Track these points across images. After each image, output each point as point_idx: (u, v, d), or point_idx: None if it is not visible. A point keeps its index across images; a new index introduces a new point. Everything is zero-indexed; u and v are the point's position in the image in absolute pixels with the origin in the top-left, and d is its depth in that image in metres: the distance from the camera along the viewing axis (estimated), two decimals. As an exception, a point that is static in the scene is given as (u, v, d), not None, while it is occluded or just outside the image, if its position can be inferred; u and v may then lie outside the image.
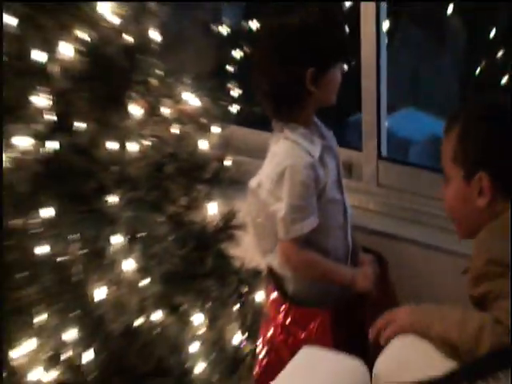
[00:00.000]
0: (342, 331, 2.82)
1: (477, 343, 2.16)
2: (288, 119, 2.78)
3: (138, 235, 2.48)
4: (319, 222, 2.77)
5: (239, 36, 4.19)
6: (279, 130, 2.81)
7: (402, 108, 4.58)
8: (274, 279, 2.93)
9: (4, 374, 2.29)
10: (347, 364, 2.45)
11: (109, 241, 2.43)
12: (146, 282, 2.56)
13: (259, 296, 2.97)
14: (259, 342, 2.91)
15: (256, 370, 2.92)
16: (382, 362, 2.43)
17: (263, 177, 2.80)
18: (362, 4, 3.24)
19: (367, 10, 3.23)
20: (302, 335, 2.84)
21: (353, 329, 2.86)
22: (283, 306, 2.88)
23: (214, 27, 4.18)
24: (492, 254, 2.31)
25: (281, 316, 2.88)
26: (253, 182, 2.85)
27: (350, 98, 3.43)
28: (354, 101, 3.44)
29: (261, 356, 2.91)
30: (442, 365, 2.23)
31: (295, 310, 2.87)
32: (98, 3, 2.42)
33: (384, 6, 3.26)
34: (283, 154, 2.75)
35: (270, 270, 2.95)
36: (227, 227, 2.87)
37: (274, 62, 2.73)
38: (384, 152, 3.44)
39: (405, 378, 2.22)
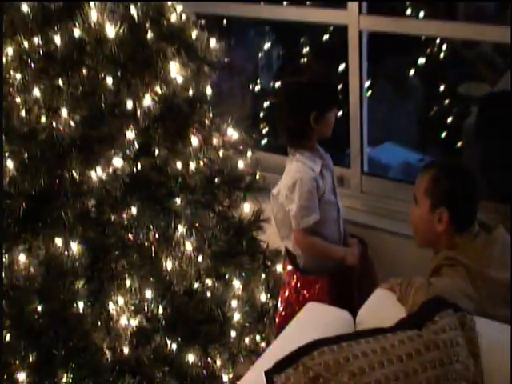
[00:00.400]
0: (336, 292, 2.82)
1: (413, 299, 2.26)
2: (298, 147, 2.82)
3: (196, 225, 2.50)
4: (320, 217, 2.80)
5: (268, 92, 4.27)
6: (292, 154, 2.84)
7: (385, 142, 4.57)
8: (289, 256, 2.94)
9: (104, 320, 2.34)
10: (337, 314, 2.46)
11: (175, 229, 2.48)
12: (200, 258, 2.61)
13: (278, 268, 3.02)
14: (279, 301, 2.94)
15: (277, 320, 2.94)
16: (363, 311, 2.43)
17: (281, 186, 2.83)
18: (350, 66, 3.26)
19: (354, 71, 3.26)
20: (307, 295, 2.84)
21: (343, 291, 2.86)
22: (295, 275, 2.90)
23: (252, 85, 4.24)
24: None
25: (293, 282, 2.89)
26: (274, 190, 2.87)
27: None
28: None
29: (280, 310, 2.93)
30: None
31: (303, 277, 2.87)
32: (171, 68, 2.46)
33: (365, 67, 3.28)
34: (295, 170, 2.78)
35: (287, 250, 2.96)
36: (256, 220, 2.92)
37: (288, 109, 2.77)
38: (365, 169, 3.46)
39: (379, 323, 2.19)
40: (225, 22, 3.92)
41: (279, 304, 2.94)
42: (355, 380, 1.94)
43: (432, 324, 2.09)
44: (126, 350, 2.42)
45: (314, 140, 2.83)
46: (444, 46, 4.18)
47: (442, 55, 4.23)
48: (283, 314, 2.90)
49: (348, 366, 1.95)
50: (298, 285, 2.89)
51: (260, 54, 4.53)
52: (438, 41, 4.07)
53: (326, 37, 4.27)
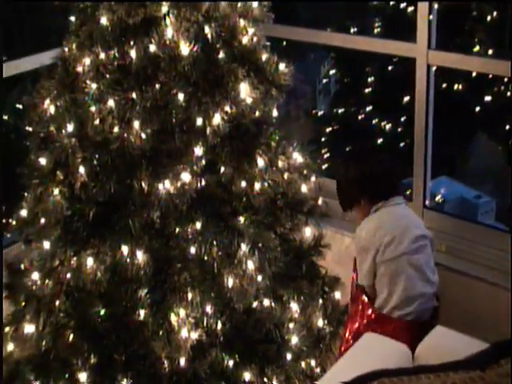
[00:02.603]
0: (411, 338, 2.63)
1: None
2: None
3: (259, 245, 2.47)
4: None
5: (328, 117, 4.25)
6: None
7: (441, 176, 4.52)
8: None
9: (165, 330, 2.32)
10: (395, 347, 2.41)
11: (238, 247, 2.45)
12: (259, 277, 2.57)
13: (337, 295, 2.95)
14: (347, 330, 2.82)
15: (342, 348, 2.81)
16: (422, 346, 2.39)
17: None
18: (417, 98, 3.22)
19: (420, 103, 3.22)
20: (379, 331, 2.74)
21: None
22: (372, 309, 2.77)
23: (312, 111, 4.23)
24: None
25: (367, 314, 2.78)
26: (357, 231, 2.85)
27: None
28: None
29: (346, 338, 2.84)
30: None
31: (379, 313, 2.76)
32: (241, 89, 2.46)
33: (431, 100, 3.25)
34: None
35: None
36: (316, 245, 2.86)
37: (344, 189, 2.83)
38: (427, 203, 3.41)
39: (438, 359, 2.09)
40: (284, 43, 3.92)
41: (347, 334, 2.83)
42: (414, 415, 1.87)
43: (497, 367, 1.97)
44: (182, 362, 2.39)
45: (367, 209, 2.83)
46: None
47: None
48: (350, 343, 2.78)
49: None
50: (373, 316, 2.78)
51: (318, 79, 4.52)
52: (506, 79, 4.02)
53: (390, 67, 4.26)
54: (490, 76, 4.09)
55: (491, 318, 2.99)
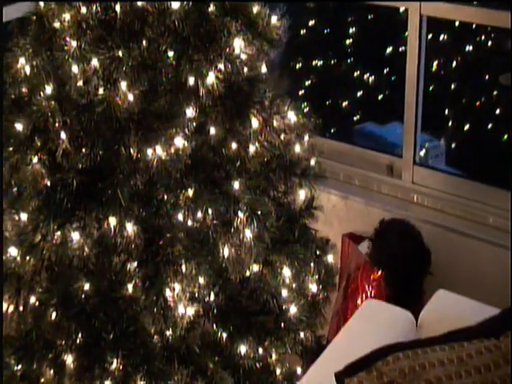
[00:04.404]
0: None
1: None
2: None
3: (257, 212, 2.28)
4: None
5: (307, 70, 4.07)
6: None
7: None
8: None
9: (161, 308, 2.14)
10: (399, 314, 2.31)
11: (236, 215, 2.26)
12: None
13: (329, 258, 2.79)
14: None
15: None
16: (425, 313, 2.30)
17: None
18: (409, 51, 3.03)
19: (412, 56, 3.04)
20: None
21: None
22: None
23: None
24: None
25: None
26: None
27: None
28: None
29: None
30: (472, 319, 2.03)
31: None
32: (235, 45, 2.23)
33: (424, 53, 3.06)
34: None
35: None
36: (309, 208, 2.68)
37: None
38: (417, 160, 3.23)
39: (443, 325, 2.01)
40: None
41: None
42: (432, 389, 1.74)
43: None
44: (173, 336, 2.22)
45: None
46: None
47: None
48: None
49: (424, 375, 1.78)
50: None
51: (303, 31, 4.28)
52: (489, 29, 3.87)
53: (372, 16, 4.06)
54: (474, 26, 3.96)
55: (488, 277, 2.88)
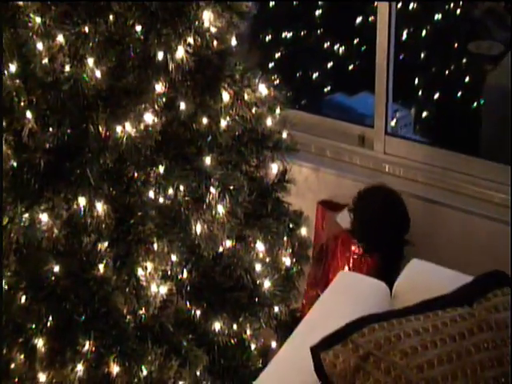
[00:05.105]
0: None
1: None
2: None
3: (229, 188, 2.24)
4: None
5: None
6: None
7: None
8: None
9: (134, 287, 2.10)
10: (373, 285, 2.30)
11: (207, 191, 2.22)
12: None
13: (303, 231, 2.77)
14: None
15: None
16: (400, 283, 2.28)
17: None
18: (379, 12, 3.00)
19: (383, 19, 3.01)
20: None
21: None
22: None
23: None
24: None
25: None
26: None
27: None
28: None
29: None
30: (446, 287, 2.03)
31: None
32: (205, 18, 2.18)
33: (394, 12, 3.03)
34: None
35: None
36: (281, 181, 2.67)
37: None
38: (389, 130, 3.21)
39: (418, 295, 2.02)
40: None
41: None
42: (407, 360, 1.77)
43: (485, 301, 1.91)
44: (146, 316, 2.20)
45: None
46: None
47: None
48: None
49: (400, 345, 1.79)
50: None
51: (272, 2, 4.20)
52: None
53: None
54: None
55: (463, 244, 2.89)
